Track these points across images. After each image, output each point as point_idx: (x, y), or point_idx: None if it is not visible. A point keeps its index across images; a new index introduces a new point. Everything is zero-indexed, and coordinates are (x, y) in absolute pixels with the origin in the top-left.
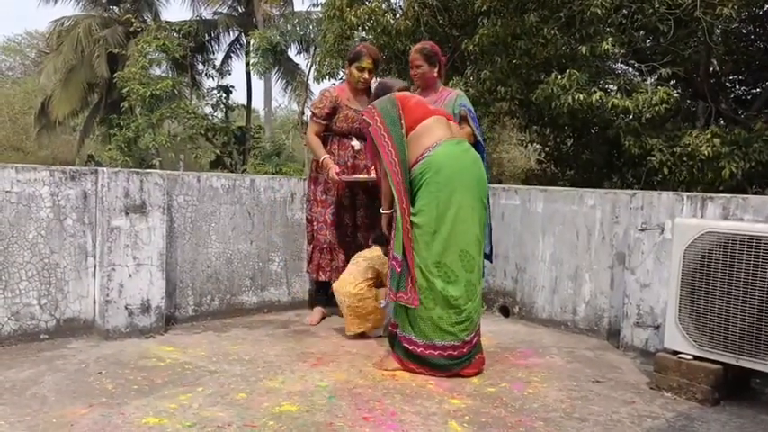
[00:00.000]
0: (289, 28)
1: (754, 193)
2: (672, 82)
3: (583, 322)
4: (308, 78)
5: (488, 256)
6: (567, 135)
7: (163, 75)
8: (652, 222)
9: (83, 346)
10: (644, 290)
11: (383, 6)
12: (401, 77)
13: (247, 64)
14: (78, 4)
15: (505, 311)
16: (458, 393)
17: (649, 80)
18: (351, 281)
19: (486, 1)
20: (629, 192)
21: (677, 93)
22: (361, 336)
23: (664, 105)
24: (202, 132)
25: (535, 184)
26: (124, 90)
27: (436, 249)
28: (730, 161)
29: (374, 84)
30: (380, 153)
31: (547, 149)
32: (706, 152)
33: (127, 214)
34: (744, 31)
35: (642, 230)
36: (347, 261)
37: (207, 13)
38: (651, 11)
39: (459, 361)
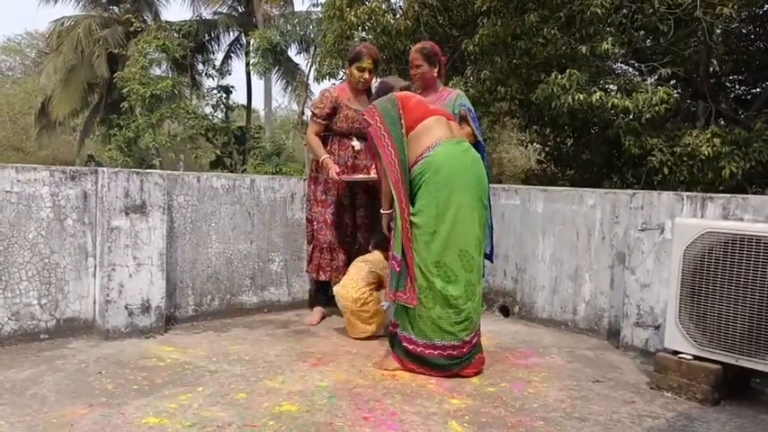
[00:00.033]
0: (289, 28)
1: (755, 193)
2: (672, 82)
3: (583, 322)
4: (308, 78)
5: (489, 256)
6: (567, 135)
7: (163, 75)
8: (652, 222)
9: (83, 346)
10: (644, 290)
11: (383, 6)
12: (401, 77)
13: (247, 64)
14: (78, 4)
15: (505, 311)
16: (458, 393)
17: (649, 80)
18: (353, 285)
19: (486, 1)
20: (629, 191)
21: (677, 93)
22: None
23: (664, 105)
24: (202, 132)
25: (535, 184)
26: (124, 90)
27: (435, 249)
28: (730, 161)
29: (374, 84)
30: (380, 153)
31: (547, 149)
32: (706, 152)
33: (127, 214)
34: (744, 31)
35: (642, 230)
36: (347, 261)
37: (207, 13)
38: (651, 11)
39: (459, 361)
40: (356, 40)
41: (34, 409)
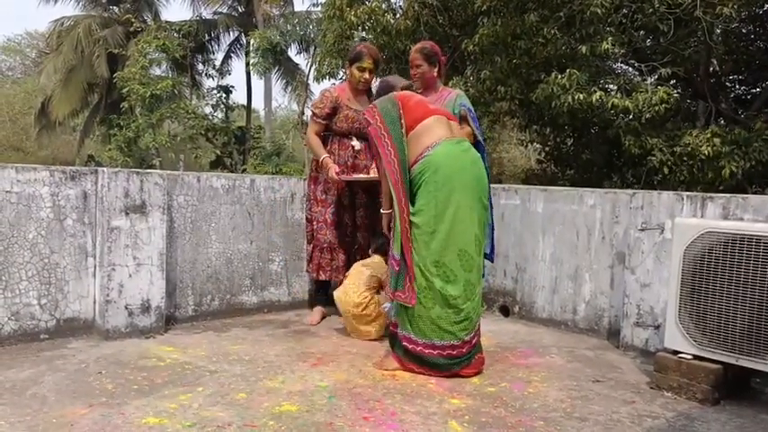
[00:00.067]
0: (289, 28)
1: (755, 193)
2: (672, 82)
3: (583, 322)
4: (308, 78)
5: (489, 256)
6: (567, 135)
7: (163, 75)
8: (652, 222)
9: (83, 346)
10: (644, 289)
11: (383, 6)
12: (402, 77)
13: (247, 64)
14: (78, 4)
15: (505, 311)
16: (458, 393)
17: (649, 80)
18: (354, 290)
19: (485, 1)
20: (629, 191)
21: (677, 92)
22: None
23: (664, 105)
24: (202, 132)
25: (535, 184)
26: (124, 90)
27: (435, 248)
28: (730, 161)
29: (375, 83)
30: (380, 152)
31: (547, 149)
32: (706, 152)
33: (127, 214)
34: (744, 31)
35: (642, 230)
36: (347, 261)
37: (207, 13)
38: (651, 10)
39: (459, 361)
40: (356, 39)
41: (34, 409)
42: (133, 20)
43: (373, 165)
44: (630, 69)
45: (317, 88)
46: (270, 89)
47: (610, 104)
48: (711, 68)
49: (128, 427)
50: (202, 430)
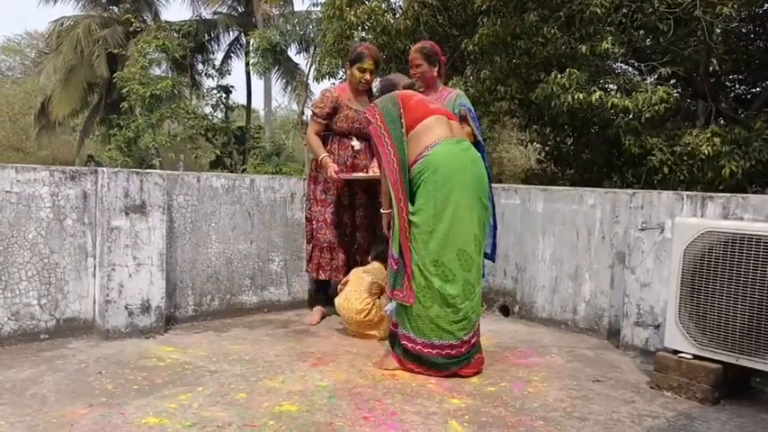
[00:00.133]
0: (288, 28)
1: (755, 192)
2: (672, 81)
3: (583, 322)
4: (307, 78)
5: (491, 256)
6: (567, 134)
7: (163, 75)
8: (652, 222)
9: (83, 346)
10: (644, 289)
11: (383, 6)
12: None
13: (247, 64)
14: (78, 4)
15: (505, 311)
16: (458, 393)
17: (649, 79)
18: (356, 297)
19: (485, 0)
20: (629, 191)
21: (677, 92)
22: None
23: (663, 104)
24: (202, 132)
25: (535, 184)
26: (124, 90)
27: (434, 248)
28: (730, 160)
29: (375, 84)
30: (380, 152)
31: (547, 149)
32: (706, 151)
33: (127, 214)
34: (744, 31)
35: (642, 230)
36: (347, 260)
37: (207, 13)
38: (651, 10)
39: (458, 360)
40: (356, 39)
41: (34, 409)
42: (133, 20)
43: (372, 164)
44: (630, 69)
45: (316, 88)
46: (270, 89)
47: (609, 104)
48: (711, 68)
49: (128, 427)
50: (202, 430)
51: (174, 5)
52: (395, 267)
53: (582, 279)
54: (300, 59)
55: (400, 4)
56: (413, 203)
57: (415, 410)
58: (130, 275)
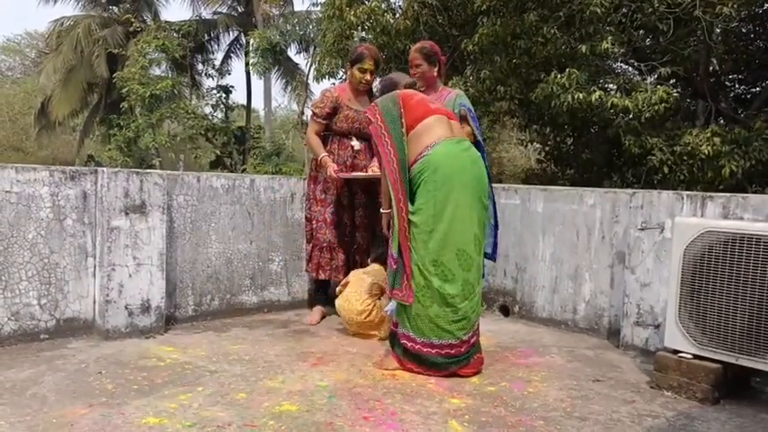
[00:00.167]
0: (288, 28)
1: (754, 192)
2: (671, 81)
3: (583, 321)
4: (307, 78)
5: (491, 256)
6: (567, 134)
7: (162, 75)
8: (652, 221)
9: (83, 346)
10: (644, 289)
11: (383, 6)
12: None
13: (247, 64)
14: (78, 4)
15: (505, 311)
16: (458, 393)
17: (649, 79)
18: (357, 298)
19: (485, 0)
20: (629, 191)
21: (677, 92)
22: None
23: (663, 104)
24: (202, 132)
25: (535, 184)
26: (124, 90)
27: (433, 248)
28: (730, 160)
29: (376, 84)
30: (380, 151)
31: (547, 149)
32: (706, 151)
33: (127, 214)
34: (743, 30)
35: (642, 229)
36: (347, 260)
37: (206, 13)
38: (651, 10)
39: (457, 360)
40: (356, 39)
41: (34, 409)
42: (133, 20)
43: (372, 163)
44: (630, 69)
45: (316, 88)
46: (269, 89)
47: (609, 104)
48: (711, 68)
49: (128, 427)
50: (202, 430)
51: (173, 5)
52: (394, 267)
53: (582, 279)
54: (300, 59)
55: (400, 4)
56: (413, 203)
57: (415, 410)
58: (130, 275)
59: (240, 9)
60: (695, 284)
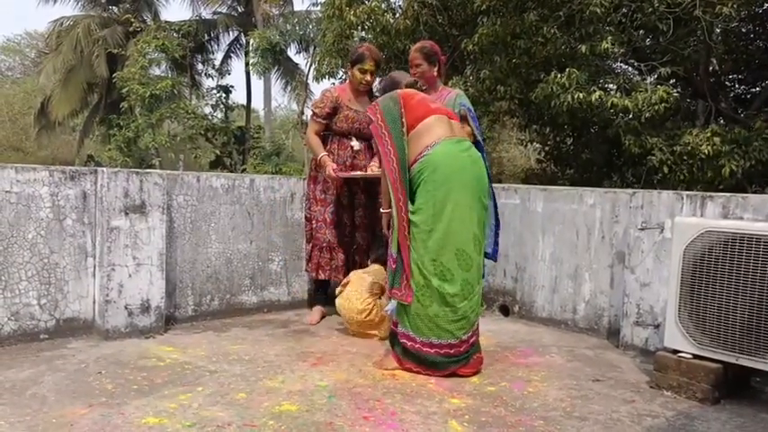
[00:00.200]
0: (288, 27)
1: (754, 192)
2: (671, 81)
3: (583, 321)
4: (307, 78)
5: (492, 255)
6: (567, 134)
7: (162, 75)
8: (652, 221)
9: (82, 346)
10: (644, 289)
11: (382, 6)
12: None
13: (247, 64)
14: (78, 4)
15: (505, 311)
16: (458, 393)
17: (649, 79)
18: (357, 297)
19: (485, 0)
20: (629, 191)
21: (677, 92)
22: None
23: (663, 104)
24: (202, 132)
25: (535, 184)
26: (124, 90)
27: (432, 247)
28: (730, 160)
29: (376, 84)
30: (380, 151)
31: (546, 148)
32: (706, 151)
33: (126, 214)
34: (743, 30)
35: (642, 229)
36: (346, 260)
37: (206, 13)
38: (651, 10)
39: (457, 359)
40: (355, 39)
41: (34, 409)
42: (132, 20)
43: (371, 163)
44: (630, 69)
45: (316, 88)
46: (269, 89)
47: (609, 104)
48: (711, 68)
49: (127, 426)
50: (202, 430)
51: (173, 5)
52: (393, 266)
53: (582, 279)
54: (300, 59)
55: (400, 3)
56: (413, 203)
57: (414, 410)
58: (130, 275)
59: (240, 9)
60: (695, 284)
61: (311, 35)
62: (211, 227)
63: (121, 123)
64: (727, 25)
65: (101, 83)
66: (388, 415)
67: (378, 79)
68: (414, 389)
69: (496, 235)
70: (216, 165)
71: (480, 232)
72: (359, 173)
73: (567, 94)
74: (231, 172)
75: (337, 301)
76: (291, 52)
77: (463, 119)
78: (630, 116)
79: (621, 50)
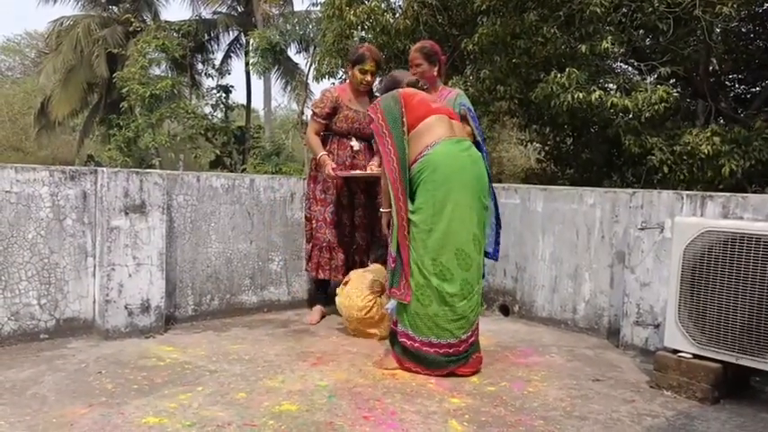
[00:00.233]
0: (288, 27)
1: (754, 192)
2: (671, 81)
3: (583, 321)
4: (307, 78)
5: (493, 255)
6: (567, 134)
7: (162, 74)
8: (652, 221)
9: (83, 345)
10: (644, 289)
11: (382, 6)
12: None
13: (247, 63)
14: (77, 3)
15: (505, 310)
16: (458, 392)
17: (649, 79)
18: (358, 294)
19: (485, 0)
20: (629, 190)
21: (677, 91)
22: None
23: (663, 104)
24: (202, 132)
25: (535, 183)
26: (124, 90)
27: (432, 247)
28: (730, 159)
29: (377, 85)
30: (380, 150)
31: (546, 148)
32: (706, 151)
33: (126, 214)
34: (743, 30)
35: (642, 229)
36: (346, 260)
37: (206, 13)
38: (650, 9)
39: (456, 359)
40: (355, 39)
41: (34, 408)
42: (132, 20)
43: (371, 162)
44: (630, 68)
45: (316, 88)
46: (269, 89)
47: (609, 103)
48: (711, 67)
49: (127, 426)
50: (202, 430)
51: (173, 5)
52: (393, 266)
53: (582, 278)
54: (300, 59)
55: (400, 3)
56: (413, 202)
57: (415, 410)
58: (130, 275)
59: (240, 9)
60: (695, 284)
61: (311, 35)
62: (211, 226)
63: (121, 123)
64: (727, 25)
65: (101, 83)
66: (389, 414)
67: (378, 79)
68: (414, 388)
69: (497, 234)
70: (216, 165)
71: (480, 232)
72: (358, 172)
73: (567, 94)
74: (231, 172)
75: (337, 299)
76: (291, 52)
77: (463, 119)
78: (630, 116)
79: (621, 50)
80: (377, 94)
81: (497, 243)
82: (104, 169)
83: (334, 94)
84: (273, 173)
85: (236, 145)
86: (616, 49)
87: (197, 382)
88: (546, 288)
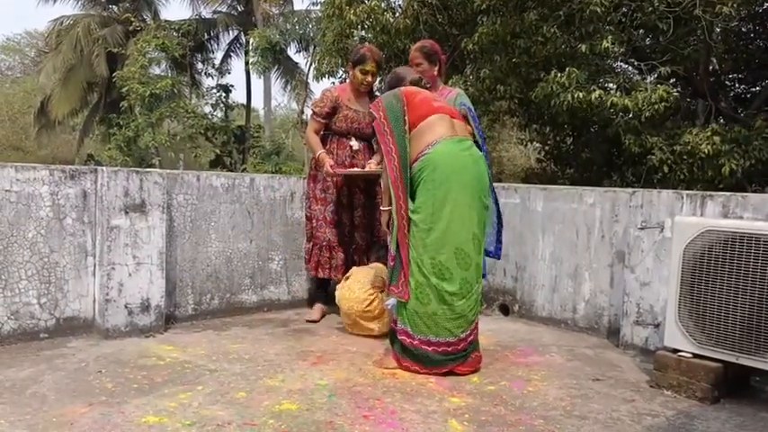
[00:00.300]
0: (288, 27)
1: (754, 191)
2: (671, 80)
3: (583, 321)
4: (307, 77)
5: (495, 254)
6: (567, 133)
7: (162, 74)
8: (652, 221)
9: (83, 345)
10: (644, 288)
11: (382, 5)
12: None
13: (247, 63)
14: (77, 3)
15: (505, 310)
16: (458, 392)
17: (649, 78)
18: (359, 287)
19: None
20: (629, 190)
21: (677, 91)
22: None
23: (663, 104)
24: (202, 131)
25: (535, 183)
26: (124, 89)
27: (431, 246)
28: (730, 159)
29: (377, 85)
30: (382, 148)
31: (546, 148)
32: (706, 150)
33: (126, 213)
34: (743, 30)
35: (642, 229)
36: (346, 260)
37: (206, 12)
38: (651, 9)
39: (455, 357)
40: (355, 38)
41: (34, 407)
42: (132, 19)
43: (370, 160)
44: (630, 68)
45: (316, 87)
46: (269, 88)
47: (609, 103)
48: (711, 67)
49: (127, 425)
50: (202, 429)
51: (173, 4)
52: (392, 264)
53: (582, 278)
54: (300, 58)
55: (400, 2)
56: (413, 201)
57: (414, 409)
58: (130, 274)
59: (240, 8)
60: (695, 283)
61: (311, 34)
62: (211, 226)
63: (121, 122)
64: (727, 25)
65: (101, 82)
66: (388, 414)
67: (378, 79)
68: (414, 388)
69: (499, 233)
70: (216, 164)
71: (480, 232)
72: (357, 169)
73: (567, 94)
74: (231, 171)
75: (337, 293)
76: (291, 51)
77: (463, 118)
78: (630, 115)
79: (621, 50)
80: (377, 93)
81: (499, 242)
82: (104, 168)
83: (335, 93)
84: (273, 172)
85: (235, 144)
86: (616, 49)
87: (197, 382)
88: (546, 287)
